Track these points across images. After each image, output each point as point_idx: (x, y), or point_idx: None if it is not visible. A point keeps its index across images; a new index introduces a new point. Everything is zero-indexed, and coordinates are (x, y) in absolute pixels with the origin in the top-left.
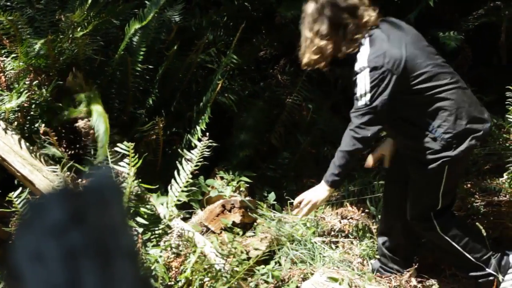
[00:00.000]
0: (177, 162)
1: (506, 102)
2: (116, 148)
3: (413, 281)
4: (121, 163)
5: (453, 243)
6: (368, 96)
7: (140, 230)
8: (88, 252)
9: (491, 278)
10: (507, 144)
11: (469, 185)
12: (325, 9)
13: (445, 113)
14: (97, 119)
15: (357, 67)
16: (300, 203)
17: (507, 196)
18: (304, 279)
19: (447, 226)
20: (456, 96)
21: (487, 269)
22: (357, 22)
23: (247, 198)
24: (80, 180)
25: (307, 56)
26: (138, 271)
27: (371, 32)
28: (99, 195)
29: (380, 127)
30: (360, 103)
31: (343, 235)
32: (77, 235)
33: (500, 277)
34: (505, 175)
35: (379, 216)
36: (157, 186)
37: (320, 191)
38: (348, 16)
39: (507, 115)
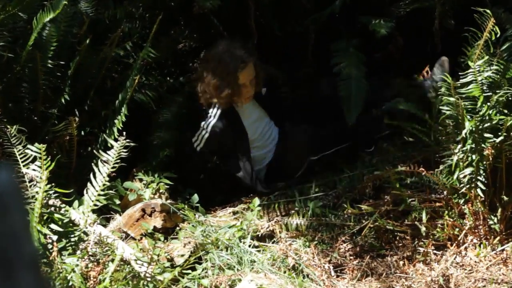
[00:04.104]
0: (92, 164)
1: None
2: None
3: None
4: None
5: None
6: None
7: (55, 237)
8: None
9: None
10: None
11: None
12: None
13: None
14: None
15: None
16: None
17: (445, 192)
18: (231, 286)
19: None
20: None
21: None
22: None
23: (169, 201)
24: None
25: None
26: (41, 282)
27: None
28: None
29: None
30: None
31: (272, 237)
32: None
33: None
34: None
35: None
36: (71, 190)
37: None
38: None
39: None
